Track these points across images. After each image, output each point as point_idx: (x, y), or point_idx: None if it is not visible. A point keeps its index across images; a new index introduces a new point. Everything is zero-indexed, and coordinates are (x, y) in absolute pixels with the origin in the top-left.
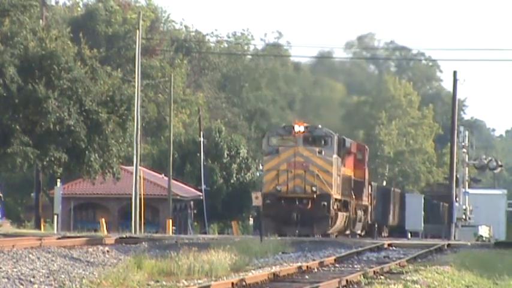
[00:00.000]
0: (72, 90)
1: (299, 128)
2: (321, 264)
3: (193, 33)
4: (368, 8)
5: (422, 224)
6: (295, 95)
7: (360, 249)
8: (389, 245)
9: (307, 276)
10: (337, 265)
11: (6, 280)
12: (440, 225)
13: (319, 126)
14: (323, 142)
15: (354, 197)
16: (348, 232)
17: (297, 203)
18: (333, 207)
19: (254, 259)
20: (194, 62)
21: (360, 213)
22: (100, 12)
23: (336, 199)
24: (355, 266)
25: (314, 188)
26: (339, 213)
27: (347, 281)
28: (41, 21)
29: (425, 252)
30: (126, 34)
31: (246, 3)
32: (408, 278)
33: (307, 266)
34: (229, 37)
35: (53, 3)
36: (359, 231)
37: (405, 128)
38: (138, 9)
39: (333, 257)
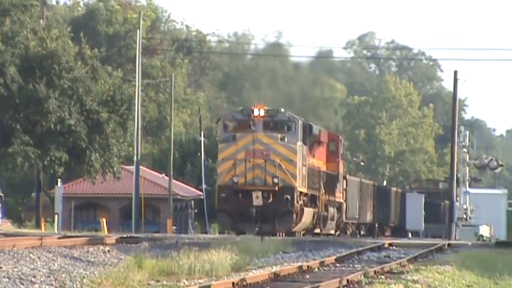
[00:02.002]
0: (73, 90)
1: (258, 111)
2: (322, 263)
3: (194, 33)
4: (369, 7)
5: (423, 224)
6: (294, 94)
7: (360, 248)
8: (389, 244)
9: (307, 276)
10: (337, 265)
11: (7, 280)
12: (440, 224)
13: (282, 109)
14: (286, 128)
15: (324, 191)
16: (317, 231)
17: None
18: (298, 202)
19: (255, 259)
20: (195, 62)
21: (332, 210)
22: (101, 11)
23: (300, 192)
24: (356, 266)
25: (276, 180)
26: (305, 209)
27: (348, 280)
28: (41, 20)
29: (425, 251)
30: (127, 34)
31: (247, 2)
32: (409, 277)
33: (307, 266)
34: (230, 37)
35: (54, 2)
36: (332, 231)
37: (406, 127)
38: (138, 9)
39: (334, 257)
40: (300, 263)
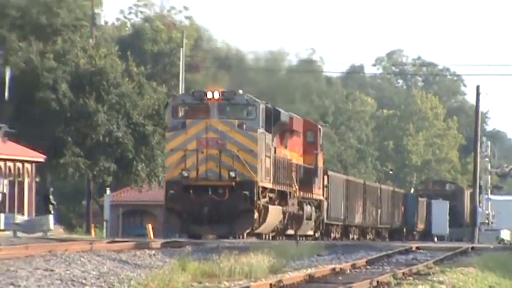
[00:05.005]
0: (120, 104)
1: (212, 94)
2: (353, 266)
3: (233, 51)
4: (397, 25)
5: (448, 229)
6: (328, 108)
7: (389, 252)
8: (417, 248)
9: (340, 278)
10: (368, 267)
11: (59, 282)
12: (462, 229)
13: (240, 91)
14: (245, 113)
15: (298, 187)
16: (290, 232)
17: (210, 193)
18: (260, 199)
19: (291, 261)
20: (235, 78)
21: (308, 209)
22: (146, 31)
23: (264, 188)
24: (385, 268)
25: (232, 173)
26: (271, 207)
27: (378, 281)
28: (90, 40)
29: (450, 254)
30: (171, 52)
31: (282, 21)
32: (435, 278)
33: (340, 268)
34: (266, 54)
35: (102, 23)
36: (310, 233)
37: (431, 138)
38: (182, 29)
39: (365, 259)
40: (333, 265)
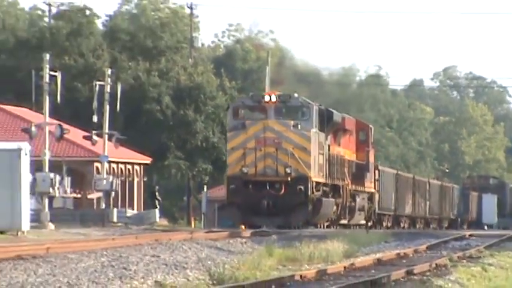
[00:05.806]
0: (215, 114)
1: (270, 97)
2: (415, 251)
3: (311, 68)
4: (451, 44)
5: (496, 218)
6: (393, 116)
7: (446, 238)
8: (469, 235)
9: (404, 261)
10: (428, 252)
11: (164, 266)
12: (507, 218)
13: (295, 94)
14: (300, 114)
15: (349, 181)
16: (344, 222)
17: (268, 187)
18: (313, 192)
19: (362, 247)
20: (312, 91)
21: (360, 201)
22: (238, 51)
23: (317, 182)
24: (443, 252)
25: (288, 169)
26: (324, 200)
27: (436, 264)
28: (190, 59)
29: (499, 240)
30: (259, 69)
31: (353, 41)
32: (485, 261)
33: (404, 253)
34: (339, 70)
35: (200, 45)
36: (362, 222)
37: (481, 141)
38: (267, 49)
39: (425, 245)
40: (398, 251)
